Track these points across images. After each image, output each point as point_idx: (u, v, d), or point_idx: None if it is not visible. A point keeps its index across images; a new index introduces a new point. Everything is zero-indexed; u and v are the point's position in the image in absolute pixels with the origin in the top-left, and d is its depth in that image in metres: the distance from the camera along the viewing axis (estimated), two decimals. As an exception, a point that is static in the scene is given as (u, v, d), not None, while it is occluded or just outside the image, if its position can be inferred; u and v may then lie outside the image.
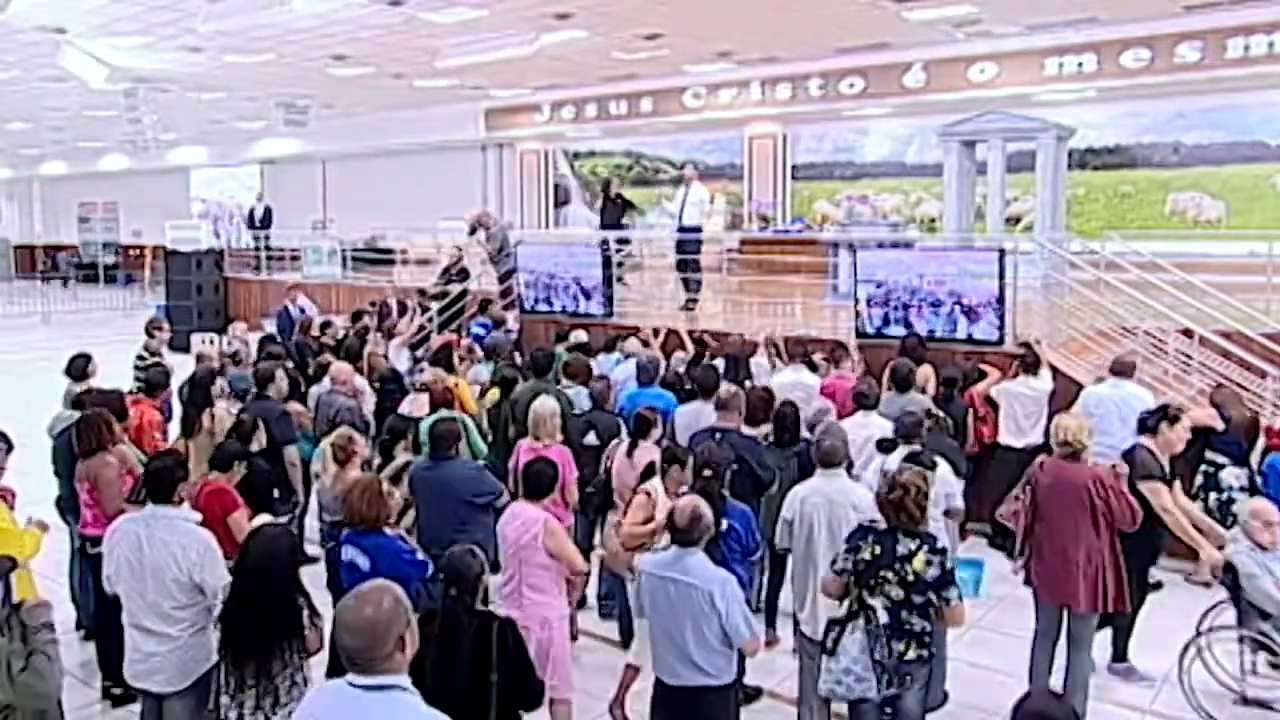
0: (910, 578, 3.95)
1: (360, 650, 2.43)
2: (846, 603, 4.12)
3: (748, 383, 7.51)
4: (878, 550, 4.01)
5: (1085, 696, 4.90)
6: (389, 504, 4.42)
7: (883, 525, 4.07)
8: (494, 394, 7.41)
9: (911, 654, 4.00)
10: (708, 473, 4.60)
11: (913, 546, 3.98)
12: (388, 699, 2.44)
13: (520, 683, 3.52)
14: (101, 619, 5.27)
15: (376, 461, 6.07)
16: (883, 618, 3.99)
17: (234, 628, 3.66)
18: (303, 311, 12.60)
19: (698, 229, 11.46)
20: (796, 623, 5.84)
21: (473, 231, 12.86)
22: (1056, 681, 4.93)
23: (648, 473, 5.23)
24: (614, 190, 13.56)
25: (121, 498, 5.04)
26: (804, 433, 5.96)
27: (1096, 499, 4.76)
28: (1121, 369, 6.96)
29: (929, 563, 3.95)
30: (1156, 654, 5.51)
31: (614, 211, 13.16)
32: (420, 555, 4.41)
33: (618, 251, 12.11)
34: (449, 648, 3.46)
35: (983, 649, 5.79)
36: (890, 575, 3.98)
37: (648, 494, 4.99)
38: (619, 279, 12.24)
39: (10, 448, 5.04)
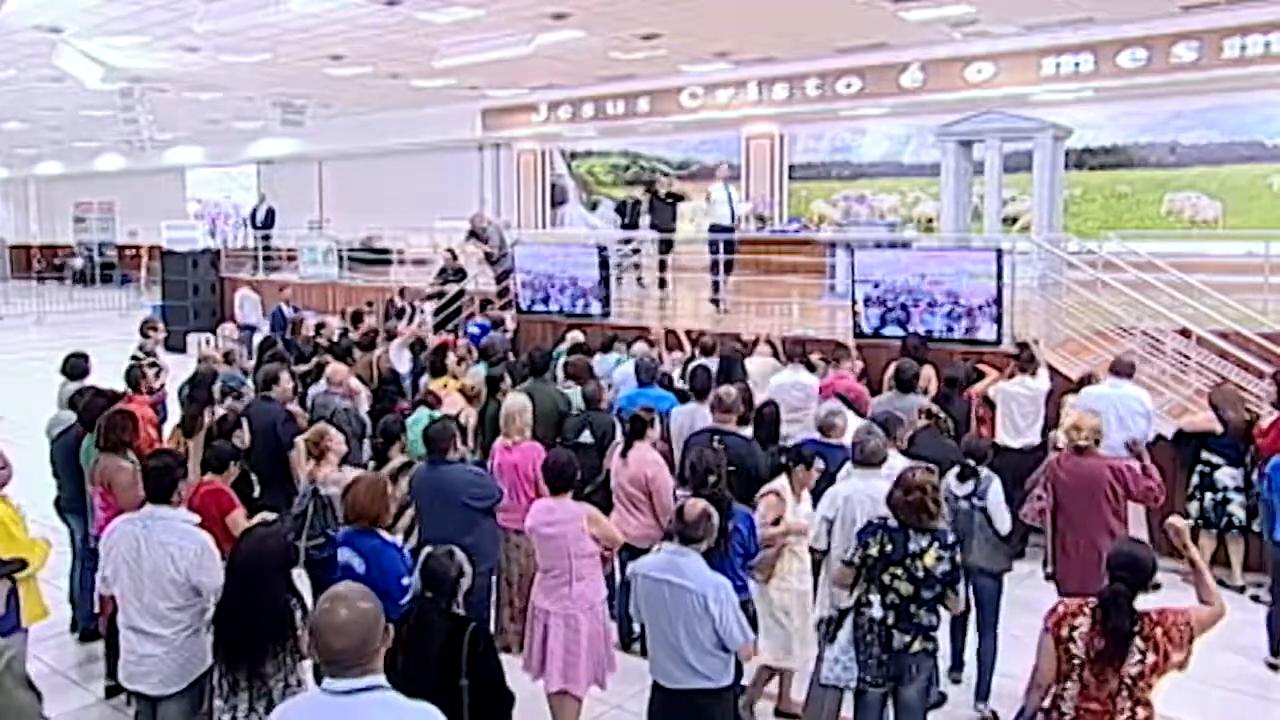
0: (920, 574, 3.98)
1: (348, 651, 2.41)
2: (855, 595, 4.16)
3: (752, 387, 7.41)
4: (888, 547, 4.02)
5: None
6: (389, 505, 4.40)
7: (894, 522, 4.08)
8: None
9: (917, 646, 4.04)
10: (713, 479, 4.56)
11: (924, 543, 4.00)
12: (379, 699, 2.43)
13: (490, 691, 3.43)
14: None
15: (372, 463, 6.04)
16: (877, 613, 4.02)
17: (226, 629, 3.63)
18: (295, 310, 12.61)
19: (731, 229, 11.52)
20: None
21: (470, 236, 12.89)
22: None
23: (776, 471, 5.13)
24: (663, 190, 12.76)
25: (138, 501, 5.00)
26: (813, 433, 5.93)
27: (1116, 489, 4.97)
28: (1121, 369, 6.98)
29: (940, 558, 3.98)
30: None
31: (665, 212, 12.47)
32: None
33: (667, 252, 12.07)
34: (418, 649, 3.39)
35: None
36: (900, 571, 3.99)
37: (776, 493, 4.95)
38: (664, 281, 12.39)
39: None
